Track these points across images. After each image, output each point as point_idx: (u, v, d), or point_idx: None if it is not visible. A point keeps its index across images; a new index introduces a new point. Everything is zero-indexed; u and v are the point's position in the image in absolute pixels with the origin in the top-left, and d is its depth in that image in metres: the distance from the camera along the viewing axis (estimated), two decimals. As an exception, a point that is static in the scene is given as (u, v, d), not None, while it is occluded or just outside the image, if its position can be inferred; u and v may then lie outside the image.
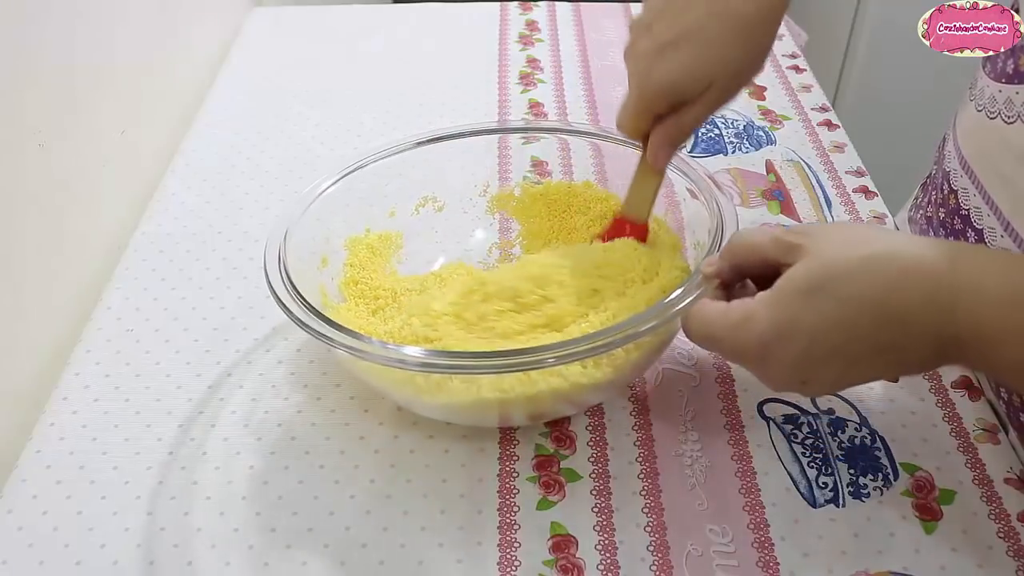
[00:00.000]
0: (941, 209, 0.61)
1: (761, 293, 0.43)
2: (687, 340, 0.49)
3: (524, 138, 0.71)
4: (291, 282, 0.52)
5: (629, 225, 0.60)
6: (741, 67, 0.52)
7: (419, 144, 0.64)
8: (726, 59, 0.51)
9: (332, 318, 0.50)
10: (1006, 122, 0.53)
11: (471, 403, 0.51)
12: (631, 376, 0.57)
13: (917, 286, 0.39)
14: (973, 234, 0.56)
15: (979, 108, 0.57)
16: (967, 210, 0.57)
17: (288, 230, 0.56)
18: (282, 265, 0.53)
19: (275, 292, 0.51)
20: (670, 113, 0.53)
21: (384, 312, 0.59)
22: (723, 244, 0.51)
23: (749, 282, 0.48)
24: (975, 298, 0.38)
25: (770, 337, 0.42)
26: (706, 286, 0.48)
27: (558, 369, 0.49)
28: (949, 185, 0.60)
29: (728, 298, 0.47)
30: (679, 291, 0.48)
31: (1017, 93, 0.52)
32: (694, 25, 0.50)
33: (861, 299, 0.40)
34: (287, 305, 0.50)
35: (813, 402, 0.58)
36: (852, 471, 0.54)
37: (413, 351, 0.48)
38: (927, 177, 0.67)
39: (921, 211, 0.66)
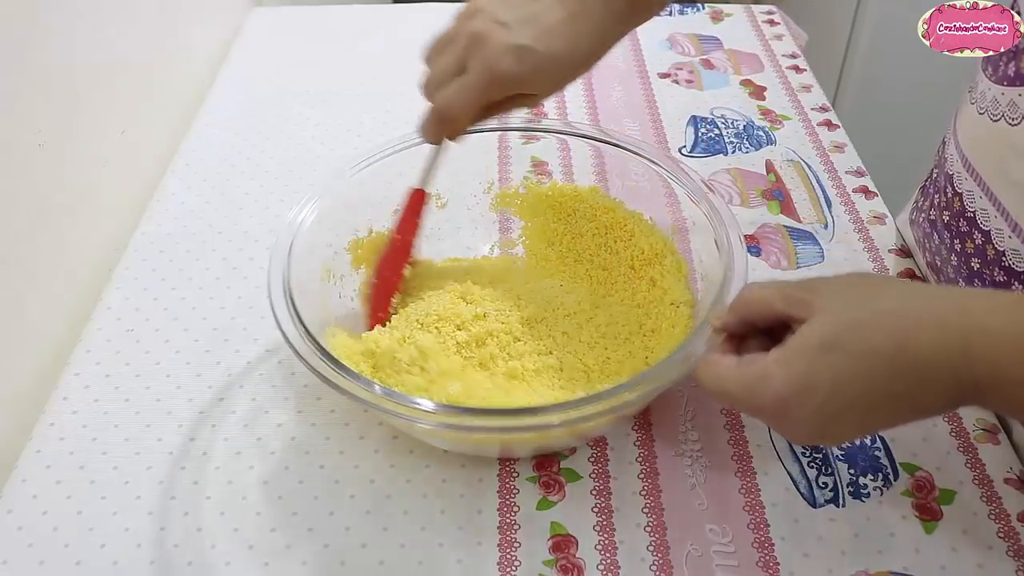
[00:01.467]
0: (945, 212, 0.61)
1: (774, 350, 0.43)
2: None
3: (524, 138, 0.71)
4: (308, 332, 0.51)
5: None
6: (564, 86, 0.56)
7: (420, 143, 0.64)
8: (567, 79, 0.55)
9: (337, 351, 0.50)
10: (1010, 124, 0.53)
11: (473, 443, 0.53)
12: (635, 414, 0.57)
13: (929, 335, 0.40)
14: (980, 236, 0.56)
15: (981, 111, 0.57)
16: (973, 212, 0.57)
17: (292, 246, 0.56)
18: (290, 297, 0.53)
19: (295, 348, 0.50)
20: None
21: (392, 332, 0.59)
22: (731, 294, 0.51)
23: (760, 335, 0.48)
24: (987, 340, 0.39)
25: (787, 394, 0.42)
26: (715, 339, 0.48)
27: None
28: (953, 188, 0.60)
29: (738, 349, 0.48)
30: (689, 347, 0.48)
31: (1020, 95, 0.52)
32: (550, 36, 0.52)
33: (875, 353, 0.40)
34: (307, 360, 0.50)
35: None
36: (852, 471, 0.54)
37: (424, 403, 0.47)
38: (927, 179, 0.67)
39: (923, 214, 0.66)
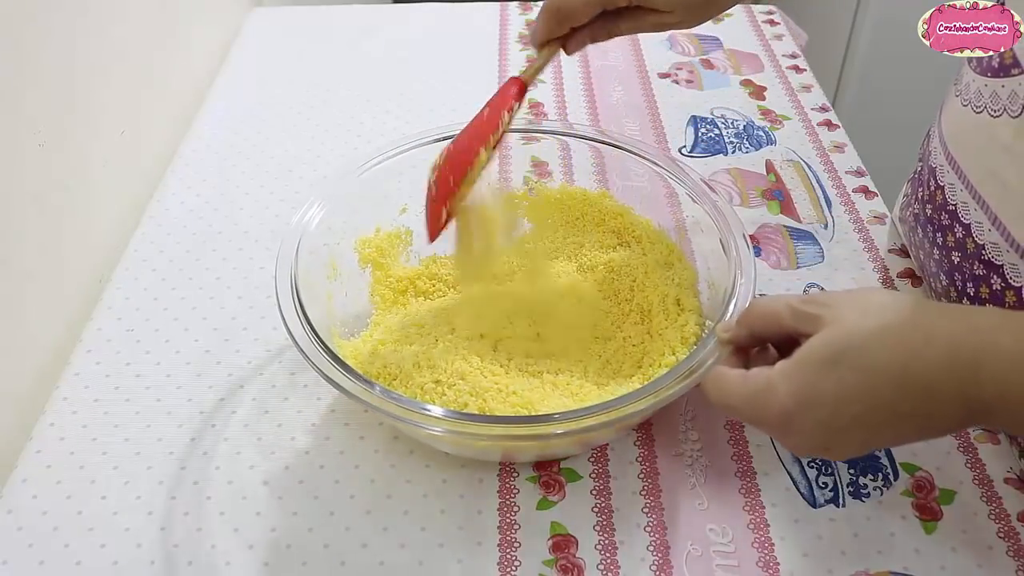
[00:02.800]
0: (928, 205, 0.61)
1: (780, 363, 0.43)
2: None
3: (524, 138, 0.71)
4: (315, 333, 0.50)
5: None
6: (707, 9, 0.54)
7: (423, 143, 0.64)
8: None
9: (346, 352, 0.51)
10: (992, 116, 0.53)
11: (477, 449, 0.53)
12: (643, 418, 0.57)
13: (938, 352, 0.39)
14: (960, 229, 0.56)
15: (965, 103, 0.57)
16: (954, 205, 0.57)
17: (299, 246, 0.56)
18: (297, 297, 0.52)
19: (311, 360, 0.49)
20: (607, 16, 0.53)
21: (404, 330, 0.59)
22: (738, 306, 0.51)
23: (770, 347, 0.48)
24: (996, 358, 0.38)
25: (790, 408, 0.42)
26: (722, 351, 0.48)
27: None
28: (936, 181, 0.60)
29: (746, 362, 0.47)
30: (696, 358, 0.48)
31: (1003, 87, 0.52)
32: None
33: (882, 370, 0.40)
34: (319, 366, 0.49)
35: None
36: (852, 471, 0.54)
37: (434, 410, 0.47)
38: (914, 173, 0.67)
39: (910, 209, 0.66)
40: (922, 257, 0.63)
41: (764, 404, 0.43)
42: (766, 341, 0.47)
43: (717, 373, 0.46)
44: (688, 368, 0.48)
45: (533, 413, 0.50)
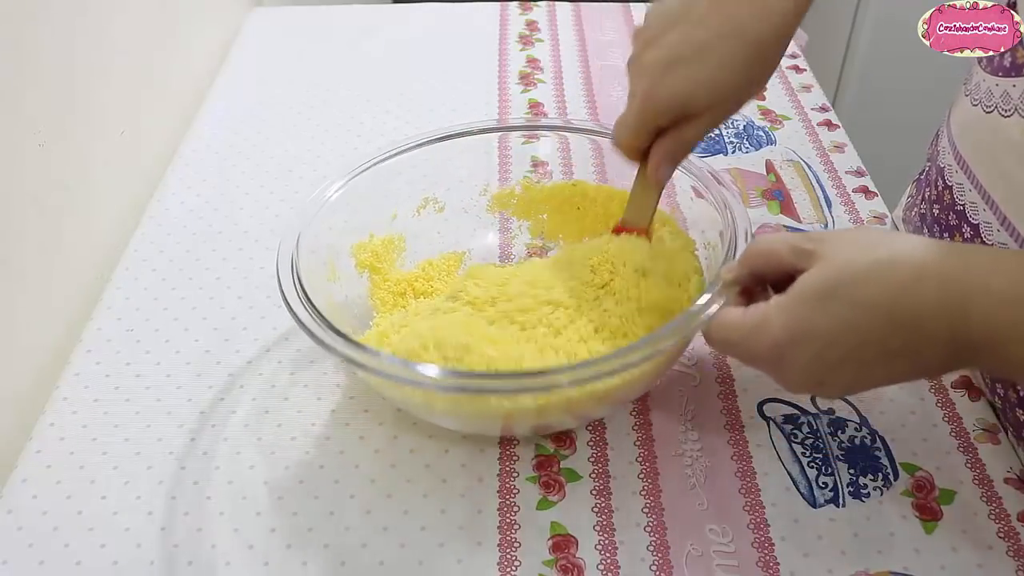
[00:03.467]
0: (936, 205, 0.61)
1: (775, 297, 0.44)
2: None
3: (524, 137, 0.72)
4: (310, 302, 0.51)
5: (633, 231, 0.59)
6: (748, 87, 0.53)
7: (419, 145, 0.64)
8: (734, 81, 0.51)
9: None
10: (1003, 116, 0.53)
11: (477, 413, 0.52)
12: (644, 387, 0.57)
13: (929, 289, 0.40)
14: (968, 229, 0.56)
15: (975, 102, 0.57)
16: (962, 205, 0.57)
17: (298, 240, 0.56)
18: (296, 276, 0.53)
19: (296, 315, 0.50)
20: (669, 129, 0.53)
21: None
22: (738, 246, 0.52)
23: (770, 289, 0.48)
24: (987, 298, 0.39)
25: (784, 341, 0.42)
26: (727, 293, 0.48)
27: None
28: (944, 181, 0.60)
29: (748, 303, 0.47)
30: (702, 302, 0.48)
31: (1014, 86, 0.52)
32: (706, 43, 0.50)
33: (873, 304, 0.40)
34: (309, 327, 0.50)
35: (813, 402, 0.58)
36: (852, 471, 0.54)
37: (426, 369, 0.47)
38: (920, 174, 0.67)
39: (915, 209, 0.66)
40: None
41: (757, 337, 0.43)
42: (767, 280, 0.48)
43: (721, 312, 0.47)
44: (696, 311, 0.48)
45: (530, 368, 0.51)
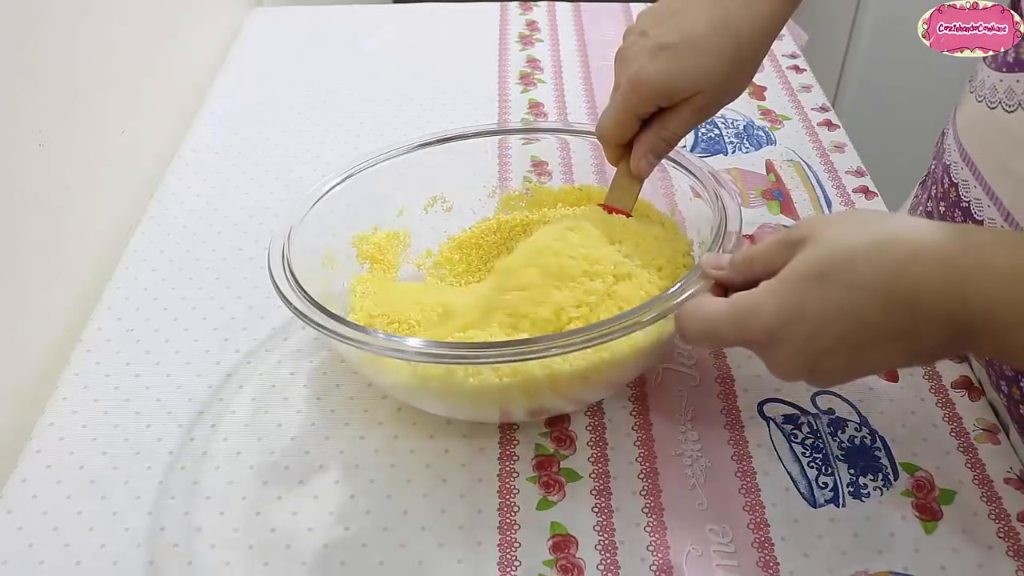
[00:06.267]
0: (941, 203, 0.61)
1: (765, 282, 0.42)
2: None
3: (524, 138, 0.71)
4: (295, 278, 0.52)
5: (614, 211, 0.59)
6: (731, 80, 0.53)
7: (422, 146, 0.64)
8: (719, 70, 0.51)
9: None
10: (1007, 111, 0.53)
11: (471, 391, 0.51)
12: (631, 369, 0.56)
13: (926, 269, 0.38)
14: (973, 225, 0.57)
15: (979, 99, 0.57)
16: (967, 202, 0.57)
17: (292, 228, 0.56)
18: (286, 262, 0.53)
19: (279, 287, 0.51)
20: (653, 121, 0.54)
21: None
22: (725, 236, 0.51)
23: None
24: (985, 279, 0.37)
25: (775, 325, 0.41)
26: (704, 283, 0.48)
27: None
28: (949, 178, 0.60)
29: (723, 294, 0.47)
30: (679, 285, 0.48)
31: (1018, 82, 0.52)
32: (692, 32, 0.51)
33: (868, 285, 0.39)
34: (289, 299, 0.50)
35: (813, 402, 0.58)
36: (852, 471, 0.54)
37: (415, 343, 0.48)
38: (926, 174, 0.67)
39: (920, 208, 0.66)
40: None
41: (749, 323, 0.42)
42: (759, 281, 0.46)
43: (695, 302, 0.45)
44: (671, 295, 0.48)
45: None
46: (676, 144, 0.56)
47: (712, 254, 0.49)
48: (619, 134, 0.55)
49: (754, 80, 0.91)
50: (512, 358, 0.48)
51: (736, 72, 0.53)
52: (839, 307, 0.39)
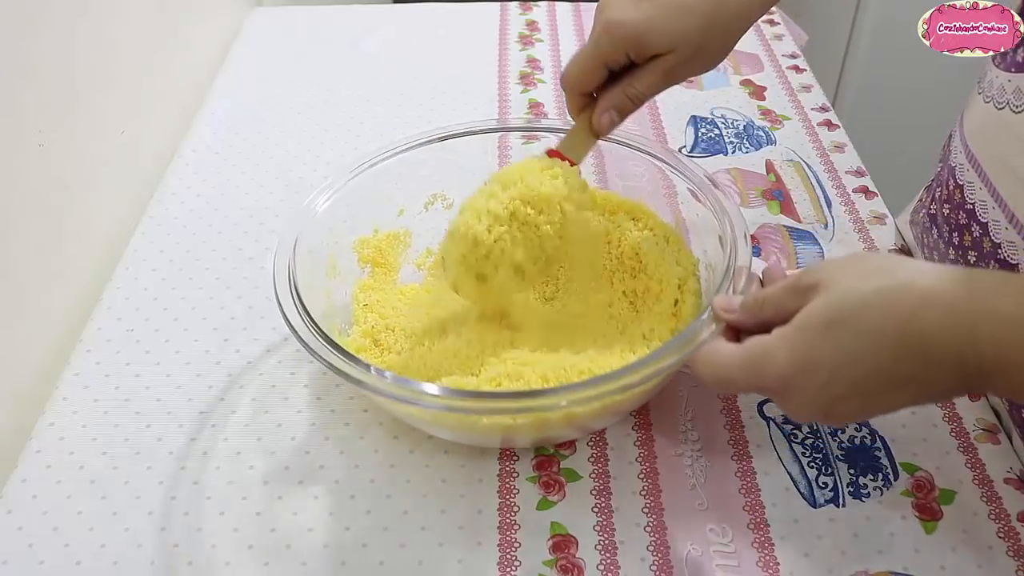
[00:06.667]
0: (946, 205, 0.61)
1: (777, 329, 0.43)
2: None
3: (524, 137, 0.71)
4: (311, 319, 0.51)
5: (562, 157, 0.58)
6: (705, 46, 0.53)
7: (423, 144, 0.64)
8: (695, 33, 0.52)
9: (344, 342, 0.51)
10: (1014, 112, 0.53)
11: (483, 428, 0.52)
12: (641, 399, 0.56)
13: (935, 315, 0.39)
14: (977, 228, 0.57)
15: (987, 100, 0.57)
16: (972, 204, 0.57)
17: (297, 239, 0.56)
18: (293, 285, 0.52)
19: (300, 337, 0.50)
20: (621, 78, 0.54)
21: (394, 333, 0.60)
22: (736, 272, 0.51)
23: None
24: (995, 322, 0.38)
25: (789, 373, 0.41)
26: (717, 326, 0.48)
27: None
28: (955, 180, 0.60)
29: (735, 337, 0.47)
30: (691, 331, 0.48)
31: None
32: None
33: (878, 332, 0.40)
34: (311, 345, 0.49)
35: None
36: (852, 471, 0.54)
37: (427, 388, 0.47)
38: (932, 179, 0.67)
39: (924, 211, 0.66)
40: (936, 258, 0.63)
41: (762, 370, 0.42)
42: (770, 327, 0.46)
43: (710, 348, 0.46)
44: (683, 339, 0.48)
45: (530, 388, 0.51)
46: (640, 105, 0.55)
47: (723, 296, 0.49)
48: (584, 81, 0.54)
49: (754, 80, 0.91)
50: (527, 409, 0.48)
51: (711, 41, 0.53)
52: (851, 354, 0.40)
